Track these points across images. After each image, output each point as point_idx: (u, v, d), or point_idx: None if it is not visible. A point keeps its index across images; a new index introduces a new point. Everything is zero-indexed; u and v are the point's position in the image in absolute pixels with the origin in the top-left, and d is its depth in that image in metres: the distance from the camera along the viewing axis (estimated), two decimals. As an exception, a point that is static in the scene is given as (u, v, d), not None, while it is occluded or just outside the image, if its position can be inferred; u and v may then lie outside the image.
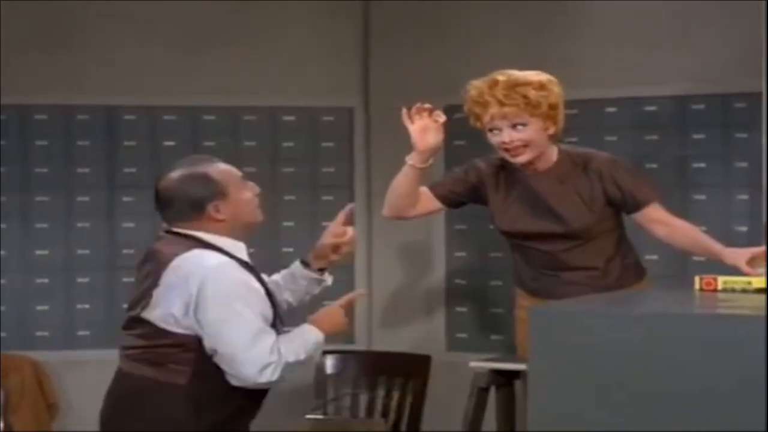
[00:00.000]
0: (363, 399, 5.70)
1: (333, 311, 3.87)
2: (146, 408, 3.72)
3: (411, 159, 4.35)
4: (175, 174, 3.77)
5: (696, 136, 5.63)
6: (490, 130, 4.29)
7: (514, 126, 4.24)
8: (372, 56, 6.26)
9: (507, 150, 4.29)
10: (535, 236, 4.37)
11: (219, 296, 3.61)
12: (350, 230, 4.07)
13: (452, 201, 4.57)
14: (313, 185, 6.22)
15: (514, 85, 4.23)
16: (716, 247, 4.27)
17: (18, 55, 5.95)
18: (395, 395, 5.64)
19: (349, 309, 3.93)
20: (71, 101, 6.08)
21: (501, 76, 4.25)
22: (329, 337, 3.86)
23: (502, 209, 4.43)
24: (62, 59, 6.05)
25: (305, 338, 3.74)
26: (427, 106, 4.31)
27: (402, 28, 6.18)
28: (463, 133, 5.86)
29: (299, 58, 6.18)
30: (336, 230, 4.04)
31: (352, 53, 6.26)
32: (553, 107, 4.26)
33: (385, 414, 5.60)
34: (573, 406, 2.70)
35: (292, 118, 6.23)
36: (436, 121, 4.30)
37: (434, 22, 6.10)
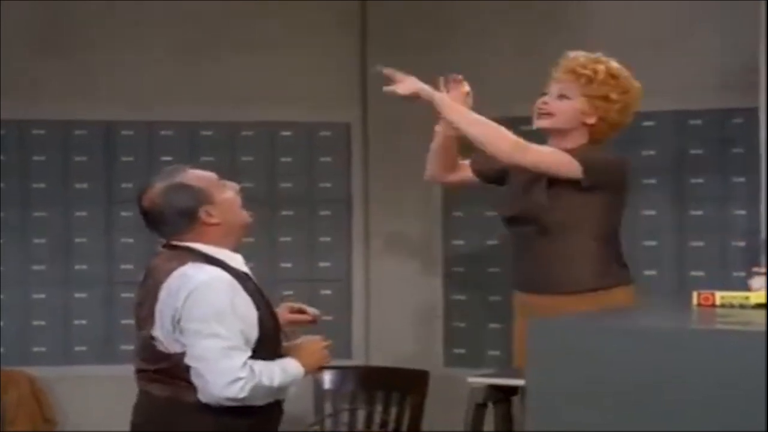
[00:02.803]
0: (361, 415, 5.69)
1: (316, 347, 3.81)
2: (168, 427, 3.68)
3: (439, 127, 4.52)
4: (157, 190, 3.76)
5: (694, 152, 5.64)
6: (542, 94, 4.39)
7: (560, 96, 4.33)
8: (369, 72, 6.26)
9: (538, 111, 4.37)
10: (508, 220, 4.44)
11: (199, 310, 3.58)
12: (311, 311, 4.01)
13: (487, 176, 4.62)
14: (311, 200, 6.22)
15: (597, 62, 4.34)
16: None
17: (16, 71, 5.96)
18: (393, 411, 5.63)
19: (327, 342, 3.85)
20: (69, 116, 6.09)
21: (606, 58, 4.37)
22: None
23: (503, 192, 4.50)
24: (60, 75, 6.05)
25: (284, 368, 3.68)
26: (459, 76, 4.47)
27: (400, 43, 6.18)
28: (462, 148, 5.91)
29: (297, 74, 6.18)
30: (293, 309, 4.00)
31: (350, 69, 6.27)
32: (608, 99, 4.30)
33: (383, 429, 5.59)
34: (571, 422, 2.69)
35: (289, 133, 6.24)
36: (463, 90, 4.45)
37: (432, 37, 6.11)
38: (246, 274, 3.73)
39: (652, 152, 5.69)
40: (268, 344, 3.70)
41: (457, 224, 5.98)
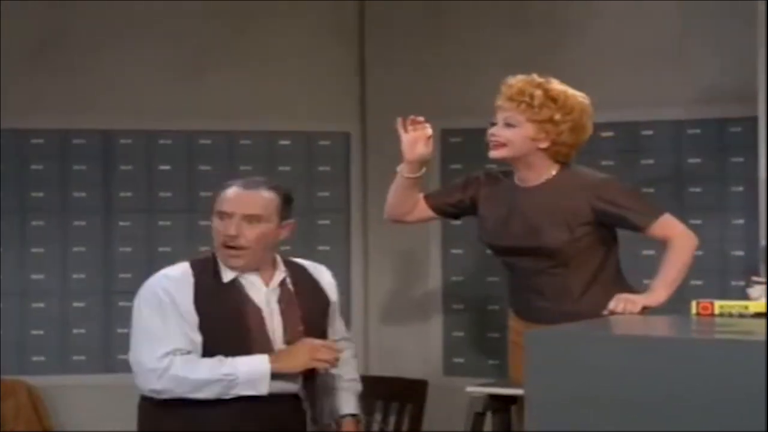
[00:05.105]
0: (359, 424, 5.67)
1: (302, 348, 3.87)
2: (142, 426, 3.95)
3: (401, 169, 4.43)
4: None
5: (692, 161, 5.64)
6: (491, 123, 4.32)
7: (506, 124, 4.27)
8: (368, 81, 6.26)
9: (490, 141, 4.32)
10: (510, 251, 4.36)
11: (138, 301, 3.86)
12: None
13: (444, 212, 4.60)
14: (310, 209, 6.22)
15: (534, 86, 4.26)
16: (654, 283, 4.21)
17: (14, 80, 5.95)
18: (392, 420, 5.62)
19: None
20: (67, 125, 6.08)
21: (539, 78, 4.28)
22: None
23: (484, 220, 4.44)
24: (58, 83, 6.05)
25: (235, 364, 3.78)
26: (420, 118, 4.37)
27: (398, 53, 6.19)
28: (458, 157, 5.92)
29: (296, 83, 6.18)
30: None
31: (349, 78, 6.27)
32: (553, 122, 4.23)
33: (382, 438, 5.58)
34: (569, 431, 2.69)
35: (288, 142, 6.23)
36: (425, 134, 4.36)
37: (431, 47, 6.12)
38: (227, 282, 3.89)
39: (650, 161, 5.69)
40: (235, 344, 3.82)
41: (456, 233, 5.98)
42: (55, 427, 6.04)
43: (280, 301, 3.94)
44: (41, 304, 6.07)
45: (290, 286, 3.99)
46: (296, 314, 3.93)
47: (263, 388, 3.79)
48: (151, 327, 3.79)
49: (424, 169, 4.44)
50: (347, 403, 4.17)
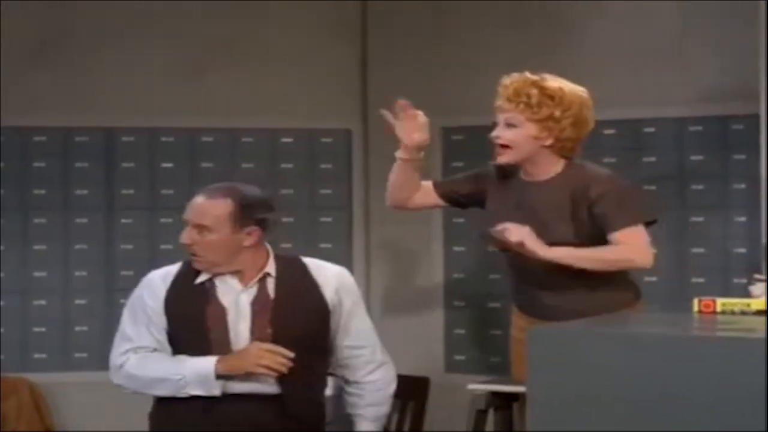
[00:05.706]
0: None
1: (251, 350, 3.84)
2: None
3: (399, 153, 4.41)
4: None
5: (694, 158, 5.64)
6: (493, 123, 4.31)
7: (507, 125, 4.26)
8: (370, 80, 6.27)
9: (495, 146, 4.30)
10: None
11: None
12: None
13: (452, 200, 4.56)
14: (312, 207, 6.22)
15: (529, 85, 4.23)
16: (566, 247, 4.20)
17: (17, 77, 5.96)
18: (394, 418, 5.62)
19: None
20: (70, 123, 6.08)
21: (533, 76, 4.26)
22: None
23: (488, 215, 4.41)
24: (61, 81, 6.05)
25: (184, 364, 3.84)
26: (404, 101, 4.35)
27: (399, 52, 6.20)
28: (460, 155, 5.92)
29: (298, 81, 6.19)
30: None
31: (351, 76, 6.27)
32: (554, 119, 4.21)
33: (383, 436, 5.57)
34: (572, 429, 2.69)
35: (290, 139, 6.24)
36: (419, 122, 4.34)
37: (432, 46, 6.12)
38: (198, 283, 3.92)
39: (652, 159, 5.69)
40: (197, 345, 3.87)
41: (458, 231, 5.99)
42: (57, 425, 6.04)
43: (254, 302, 3.90)
44: (43, 302, 6.08)
45: (270, 287, 3.95)
46: (267, 316, 3.89)
47: (214, 389, 3.81)
48: (124, 326, 3.97)
49: (422, 153, 4.41)
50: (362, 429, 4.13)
